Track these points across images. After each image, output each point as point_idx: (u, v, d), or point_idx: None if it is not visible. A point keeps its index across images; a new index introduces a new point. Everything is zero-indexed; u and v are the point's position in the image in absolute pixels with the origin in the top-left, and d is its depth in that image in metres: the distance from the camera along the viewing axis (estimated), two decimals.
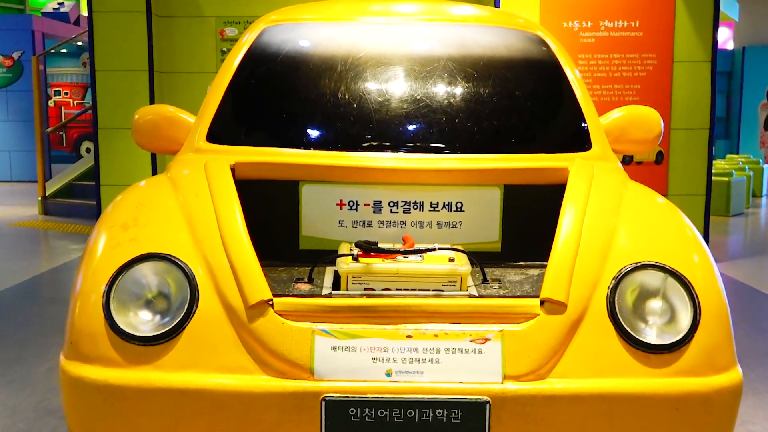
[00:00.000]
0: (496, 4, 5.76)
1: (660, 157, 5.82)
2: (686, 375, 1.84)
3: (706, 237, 5.82)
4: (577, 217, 2.05)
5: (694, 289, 1.91)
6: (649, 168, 5.78)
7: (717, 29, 5.89)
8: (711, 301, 1.92)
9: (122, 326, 1.85)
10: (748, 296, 5.11)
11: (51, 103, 17.39)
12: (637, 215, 2.14)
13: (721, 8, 6.36)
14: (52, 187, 9.27)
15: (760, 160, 12.67)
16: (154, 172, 6.53)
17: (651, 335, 1.88)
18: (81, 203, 8.69)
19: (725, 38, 16.55)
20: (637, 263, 1.94)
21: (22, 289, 5.11)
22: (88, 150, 14.98)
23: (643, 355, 1.85)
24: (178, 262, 1.91)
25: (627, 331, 1.86)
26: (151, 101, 6.44)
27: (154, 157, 6.50)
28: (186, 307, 1.86)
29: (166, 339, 1.83)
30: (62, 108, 17.10)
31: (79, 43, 15.16)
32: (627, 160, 5.64)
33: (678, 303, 1.91)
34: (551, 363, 1.82)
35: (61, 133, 15.02)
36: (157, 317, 1.89)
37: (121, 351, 1.84)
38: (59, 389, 3.08)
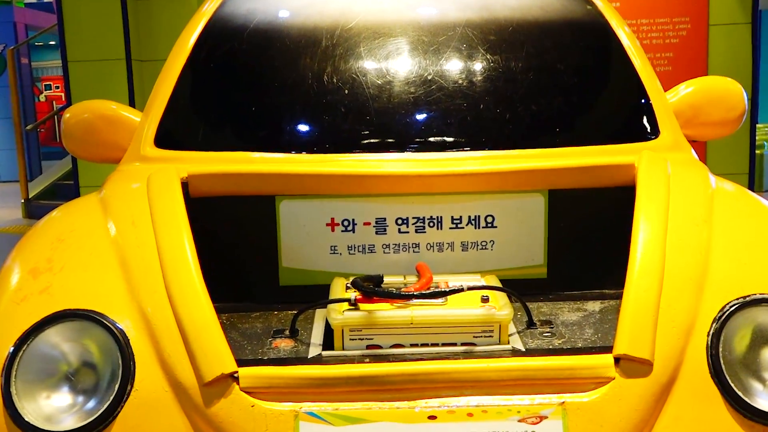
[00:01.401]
0: None
1: None
2: None
3: None
4: (657, 234, 1.51)
5: None
6: None
7: None
8: None
9: (29, 418, 1.35)
10: None
11: (42, 98, 16.96)
12: (736, 227, 1.60)
13: None
14: (36, 188, 8.79)
15: None
16: None
17: None
18: None
19: None
20: (746, 297, 1.43)
21: None
22: None
23: (763, 430, 1.35)
24: (105, 322, 1.40)
25: (737, 394, 1.37)
26: (131, 93, 5.99)
27: None
28: (118, 385, 1.36)
29: None
30: (54, 102, 16.69)
31: None
32: None
33: None
34: None
35: (41, 129, 14.49)
36: (80, 399, 1.39)
37: None
38: None
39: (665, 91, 2.11)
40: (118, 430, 1.33)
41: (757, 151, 8.49)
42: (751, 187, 5.49)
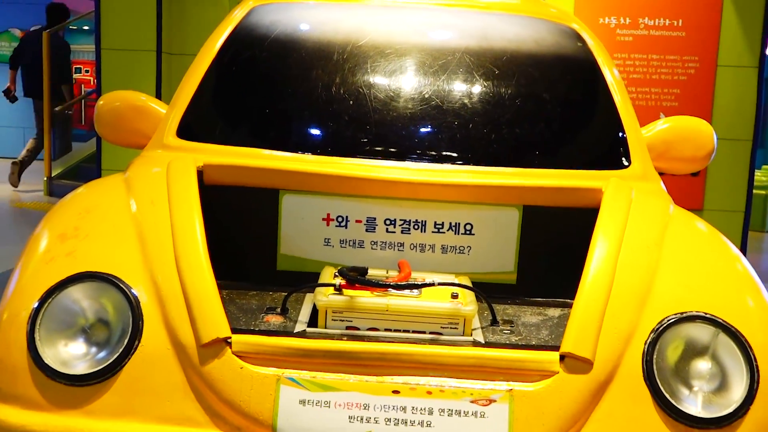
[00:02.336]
0: None
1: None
2: None
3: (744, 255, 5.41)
4: (611, 252, 1.69)
5: (751, 348, 1.56)
6: (684, 180, 5.35)
7: (767, 33, 5.45)
8: None
9: (48, 361, 1.54)
10: None
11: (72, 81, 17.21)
12: (683, 252, 1.77)
13: None
14: (58, 168, 9.00)
15: None
16: None
17: (695, 405, 1.53)
18: None
19: None
20: (682, 314, 1.60)
21: (3, 281, 4.83)
22: None
23: (685, 430, 1.51)
24: (121, 285, 1.59)
25: (666, 398, 1.52)
26: (158, 83, 6.16)
27: None
28: (127, 340, 1.55)
29: (100, 379, 1.52)
30: (82, 86, 16.89)
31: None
32: (661, 171, 5.23)
33: (731, 366, 1.57)
34: None
35: (72, 110, 14.76)
36: (93, 350, 1.57)
37: (45, 391, 1.53)
38: None
39: None
40: (124, 378, 1.52)
41: (761, 192, 8.61)
42: (746, 225, 5.61)
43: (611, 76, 2.26)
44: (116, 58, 6.20)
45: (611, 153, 2.13)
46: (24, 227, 6.88)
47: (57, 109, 8.79)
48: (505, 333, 1.69)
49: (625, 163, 2.09)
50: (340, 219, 1.94)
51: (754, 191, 8.46)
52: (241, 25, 2.31)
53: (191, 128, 2.12)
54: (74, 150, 9.72)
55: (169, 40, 6.26)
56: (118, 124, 2.26)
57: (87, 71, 17.25)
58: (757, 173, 10.73)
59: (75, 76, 17.06)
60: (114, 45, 6.19)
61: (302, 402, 1.48)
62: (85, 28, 16.36)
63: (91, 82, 17.16)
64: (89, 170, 8.79)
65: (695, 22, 5.35)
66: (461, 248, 1.96)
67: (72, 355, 1.56)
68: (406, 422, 1.48)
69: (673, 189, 5.88)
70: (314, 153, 2.02)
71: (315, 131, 2.14)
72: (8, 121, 13.53)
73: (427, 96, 2.14)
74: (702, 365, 1.57)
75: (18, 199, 8.40)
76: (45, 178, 8.81)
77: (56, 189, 8.74)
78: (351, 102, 2.12)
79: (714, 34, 5.38)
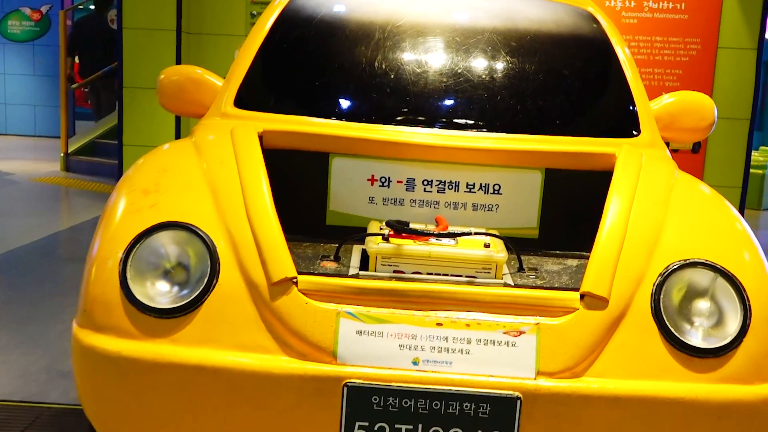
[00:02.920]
0: None
1: (697, 146, 5.61)
2: (731, 382, 1.74)
3: None
4: (624, 208, 1.93)
5: (745, 291, 1.80)
6: (685, 157, 5.60)
7: (767, 16, 5.67)
8: (762, 304, 1.81)
9: (138, 297, 1.77)
10: None
11: (77, 60, 17.34)
12: (687, 209, 2.01)
13: None
14: (74, 144, 9.24)
15: None
16: (178, 134, 6.45)
17: (696, 337, 1.77)
18: (103, 162, 8.65)
19: None
20: (685, 260, 1.83)
21: (39, 247, 5.07)
22: None
23: (687, 358, 1.74)
24: (200, 233, 1.82)
25: (671, 331, 1.75)
26: (178, 62, 6.35)
27: (178, 119, 6.41)
28: (206, 280, 1.78)
29: (183, 312, 1.75)
30: None
31: None
32: None
33: (727, 305, 1.80)
34: (588, 361, 1.72)
35: (86, 90, 14.95)
36: (175, 289, 1.80)
37: (135, 322, 1.76)
38: (70, 353, 3.04)
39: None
40: (204, 311, 1.75)
41: (759, 171, 8.84)
42: (743, 201, 5.85)
43: (623, 54, 2.50)
44: (137, 37, 6.36)
45: (623, 123, 2.37)
46: (44, 200, 7.13)
47: (73, 86, 8.97)
48: (530, 278, 1.93)
49: (636, 133, 2.33)
50: (383, 179, 2.18)
51: (752, 170, 8.72)
52: (288, 7, 2.55)
53: (246, 99, 2.35)
54: (86, 128, 9.93)
55: (188, 19, 6.42)
56: (178, 95, 2.50)
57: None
58: (755, 154, 10.98)
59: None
60: (135, 24, 6.35)
61: (359, 332, 1.72)
62: (91, 7, 16.47)
63: None
64: (104, 146, 9.02)
65: (697, 5, 5.57)
66: (490, 206, 2.20)
67: (158, 291, 1.79)
68: (448, 350, 1.72)
69: None
70: (360, 121, 2.26)
71: (360, 101, 2.37)
72: (20, 98, 13.71)
73: (459, 71, 2.38)
74: (702, 304, 1.81)
75: (37, 174, 8.63)
76: (62, 155, 9.03)
77: (73, 164, 8.98)
78: (392, 75, 2.35)
79: (715, 17, 5.59)
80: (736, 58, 5.68)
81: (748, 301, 1.78)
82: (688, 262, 1.83)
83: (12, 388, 2.73)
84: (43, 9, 13.41)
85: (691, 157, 5.67)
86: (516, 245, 2.01)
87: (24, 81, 13.72)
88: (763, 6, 5.61)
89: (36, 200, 7.11)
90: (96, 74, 9.02)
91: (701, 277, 1.82)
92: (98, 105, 9.16)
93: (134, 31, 6.38)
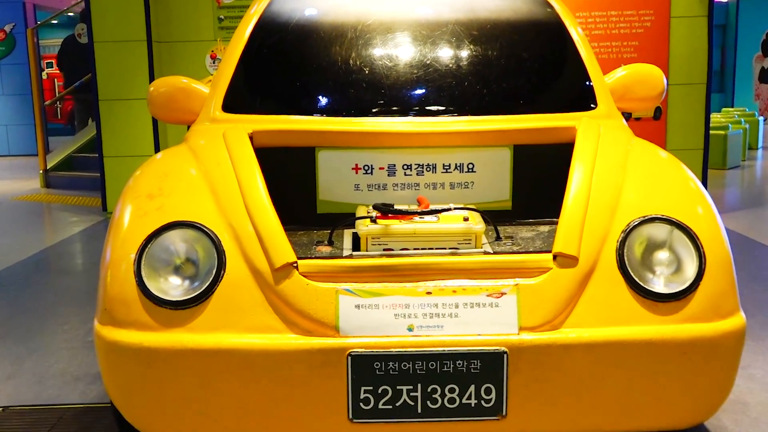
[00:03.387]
0: None
1: (658, 113, 5.88)
2: (693, 321, 1.93)
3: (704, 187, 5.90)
4: (586, 174, 2.13)
5: (699, 239, 1.99)
6: (647, 124, 5.85)
7: None
8: (715, 250, 2.01)
9: (154, 291, 1.93)
10: (746, 247, 5.21)
11: (44, 76, 17.24)
12: (643, 171, 2.22)
13: None
14: (52, 160, 9.28)
15: (756, 113, 12.72)
16: (157, 143, 6.56)
17: (659, 285, 1.96)
18: (82, 175, 8.73)
19: None
20: (644, 217, 2.03)
21: (32, 263, 5.19)
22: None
23: (652, 304, 1.94)
24: (205, 230, 1.98)
25: (636, 281, 1.95)
26: (151, 72, 6.46)
27: (156, 129, 6.52)
28: (214, 272, 1.94)
29: (196, 303, 1.91)
30: (55, 80, 16.91)
31: (70, 14, 15.01)
32: (626, 117, 5.69)
33: (684, 253, 2.00)
34: (564, 314, 1.91)
35: (57, 105, 14.94)
36: (186, 282, 1.96)
37: (153, 315, 1.92)
38: (82, 357, 3.20)
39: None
40: (215, 300, 1.91)
41: (721, 132, 9.13)
42: (705, 162, 6.10)
43: (576, 34, 2.71)
44: (109, 50, 6.45)
45: (581, 98, 2.57)
46: (29, 218, 7.21)
47: (47, 103, 9.03)
48: (507, 245, 2.12)
49: (593, 106, 2.54)
50: (366, 167, 2.37)
51: (715, 132, 9.01)
52: (265, 14, 2.73)
53: (233, 103, 2.52)
54: (59, 144, 9.95)
55: (157, 28, 6.51)
56: (168, 105, 2.66)
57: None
58: (717, 115, 11.30)
59: (47, 70, 17.11)
60: (106, 37, 6.43)
61: (357, 306, 1.90)
62: (54, 22, 16.40)
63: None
64: (83, 160, 9.09)
65: None
66: (466, 184, 2.39)
67: (171, 285, 1.96)
68: (438, 315, 1.91)
69: (638, 133, 6.41)
70: (341, 115, 2.44)
71: (340, 97, 2.56)
72: None
73: (427, 62, 2.57)
74: (662, 255, 2.01)
75: (18, 193, 8.68)
76: (41, 171, 9.08)
77: (52, 180, 9.03)
78: (366, 71, 2.54)
79: None
80: (688, 25, 5.91)
81: (702, 248, 1.98)
82: (646, 218, 2.03)
83: (31, 394, 2.88)
84: (7, 28, 13.38)
85: (654, 123, 5.93)
86: (492, 217, 2.20)
87: None
88: None
89: (21, 218, 7.19)
90: (70, 88, 9.10)
91: (659, 231, 2.02)
92: (88, 117, 9.32)
93: (105, 44, 6.47)
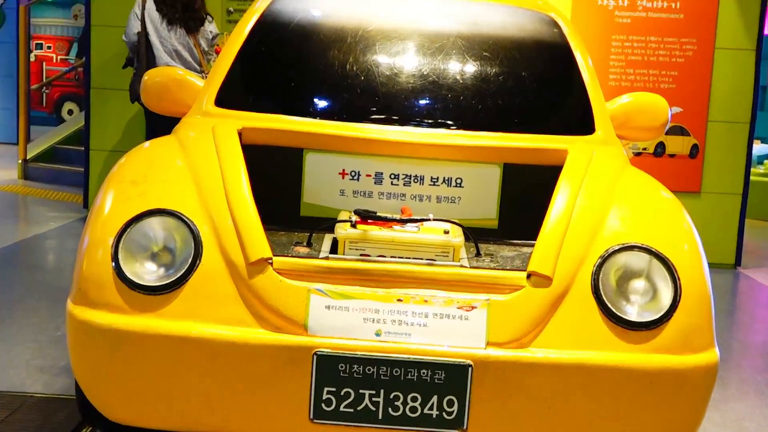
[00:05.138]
0: None
1: (695, 151, 6.14)
2: (662, 352, 2.18)
3: (740, 240, 6.13)
4: (570, 197, 2.42)
5: (676, 270, 2.25)
6: (682, 162, 6.09)
7: (765, 15, 6.16)
8: (693, 283, 2.26)
9: (129, 275, 2.21)
10: None
11: (32, 58, 17.54)
12: (631, 199, 2.50)
13: None
14: (33, 151, 9.54)
15: None
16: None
17: (632, 312, 2.22)
18: (65, 169, 9.02)
19: None
20: (623, 244, 2.29)
21: (3, 256, 5.52)
22: (70, 112, 15.26)
23: (623, 331, 2.19)
24: (185, 219, 2.27)
25: (609, 307, 2.20)
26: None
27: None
28: (190, 261, 2.23)
29: (169, 290, 2.19)
30: (44, 63, 16.99)
31: None
32: (659, 153, 5.97)
33: (660, 284, 2.25)
34: (534, 333, 2.16)
35: (45, 91, 15.27)
36: (162, 269, 2.25)
37: (126, 298, 2.20)
38: (48, 351, 3.51)
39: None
40: (188, 289, 2.19)
41: (764, 179, 9.26)
42: (743, 209, 6.31)
43: (581, 57, 3.03)
44: (107, 35, 6.71)
45: (579, 122, 2.88)
46: (2, 210, 7.55)
47: (34, 87, 9.36)
48: (486, 261, 2.41)
49: (590, 130, 2.84)
50: (353, 173, 2.68)
51: (757, 178, 9.16)
52: (267, 12, 3.09)
53: (226, 98, 2.86)
54: (41, 133, 10.26)
55: None
56: (162, 95, 3.01)
57: (49, 47, 17.58)
58: (759, 168, 11.41)
59: (36, 52, 17.44)
60: (105, 21, 6.71)
61: (327, 307, 2.17)
62: (48, 0, 16.74)
63: (54, 59, 17.58)
64: (66, 152, 9.40)
65: (693, 5, 6.08)
66: (452, 198, 2.69)
67: (147, 270, 2.24)
68: (407, 323, 2.17)
69: (671, 172, 6.76)
70: (332, 119, 2.76)
71: (333, 101, 2.89)
72: None
73: (425, 72, 2.90)
74: (638, 283, 2.26)
75: None
76: (20, 161, 9.39)
77: (32, 172, 9.32)
78: (362, 77, 2.88)
79: (712, 17, 6.09)
80: (734, 58, 6.13)
81: (679, 280, 2.24)
82: (625, 245, 2.30)
83: None
84: None
85: (689, 162, 6.18)
86: (477, 235, 2.49)
87: None
88: (761, 5, 6.09)
89: None
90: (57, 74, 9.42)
91: (637, 259, 2.28)
92: None
93: (104, 28, 6.74)
